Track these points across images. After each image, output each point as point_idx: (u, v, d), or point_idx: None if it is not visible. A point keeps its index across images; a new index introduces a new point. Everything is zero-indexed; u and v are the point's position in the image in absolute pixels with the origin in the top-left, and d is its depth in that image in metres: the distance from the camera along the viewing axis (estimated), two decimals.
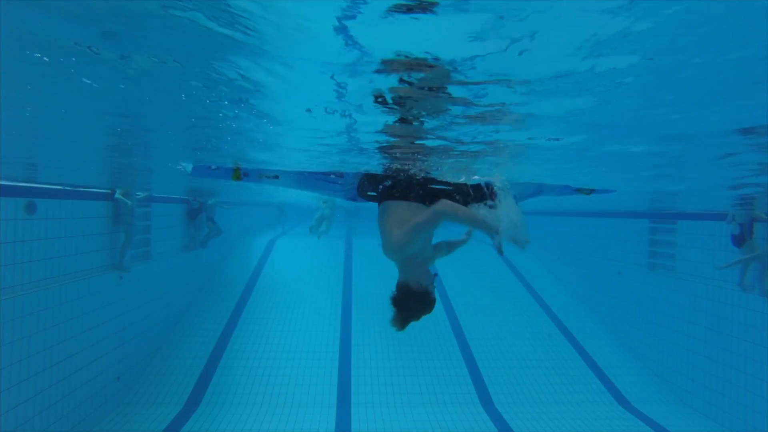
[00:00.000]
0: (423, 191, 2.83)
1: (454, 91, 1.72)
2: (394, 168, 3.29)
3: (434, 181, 3.13)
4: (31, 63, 1.62)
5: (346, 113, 2.11)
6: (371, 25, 1.21)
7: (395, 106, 1.95)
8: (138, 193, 7.85)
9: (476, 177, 3.49)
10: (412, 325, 2.66)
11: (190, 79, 1.77)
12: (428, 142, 2.64)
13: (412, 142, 2.66)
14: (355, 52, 1.38)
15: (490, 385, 8.57)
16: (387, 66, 1.48)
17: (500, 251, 2.86)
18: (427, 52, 1.40)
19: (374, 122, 2.23)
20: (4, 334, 4.92)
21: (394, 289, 2.66)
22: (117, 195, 7.26)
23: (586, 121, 2.15)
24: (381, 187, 3.04)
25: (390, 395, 8.17)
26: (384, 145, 2.71)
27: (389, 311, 2.65)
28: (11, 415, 4.98)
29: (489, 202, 2.85)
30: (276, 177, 3.64)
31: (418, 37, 1.28)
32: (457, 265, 13.70)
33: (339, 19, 1.16)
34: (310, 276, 12.32)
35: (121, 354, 7.45)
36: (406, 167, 3.27)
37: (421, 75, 1.58)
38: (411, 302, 2.60)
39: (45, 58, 1.55)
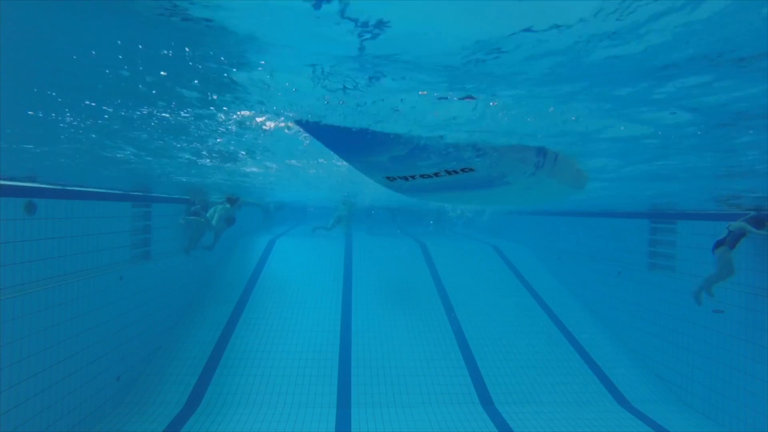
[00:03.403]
0: None
1: None
2: None
3: None
4: None
5: None
6: None
7: None
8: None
9: None
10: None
11: None
12: None
13: None
14: None
15: (490, 385, 8.57)
16: None
17: None
18: None
19: None
20: (5, 334, 4.92)
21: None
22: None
23: None
24: None
25: (390, 395, 8.17)
26: None
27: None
28: (11, 415, 4.98)
29: None
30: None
31: None
32: (457, 264, 13.74)
33: None
34: (310, 276, 12.33)
35: (121, 354, 7.46)
36: None
37: None
38: None
39: None
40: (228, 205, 10.75)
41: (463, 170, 3.13)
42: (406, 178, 3.29)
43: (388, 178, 3.36)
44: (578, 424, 7.51)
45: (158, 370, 8.38)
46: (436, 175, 3.17)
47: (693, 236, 8.61)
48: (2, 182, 5.27)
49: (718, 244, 7.12)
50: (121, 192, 7.79)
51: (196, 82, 2.53)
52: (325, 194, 10.75)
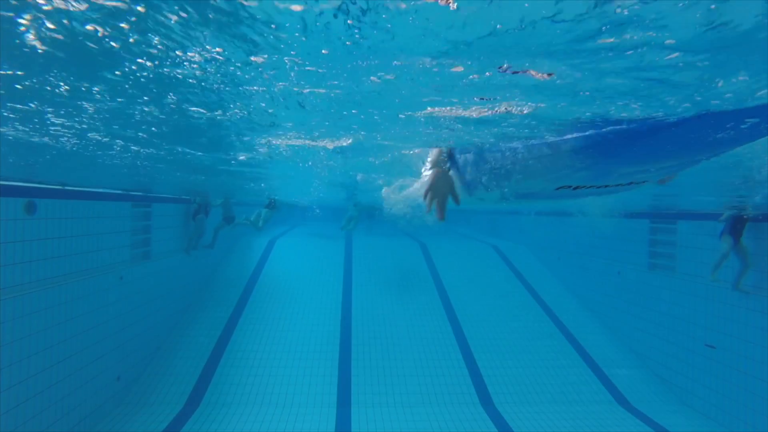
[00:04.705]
0: None
1: None
2: None
3: None
4: None
5: None
6: None
7: None
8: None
9: None
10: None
11: None
12: None
13: None
14: None
15: (490, 385, 8.57)
16: None
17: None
18: None
19: None
20: (4, 334, 4.92)
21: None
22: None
23: None
24: None
25: (390, 395, 8.17)
26: None
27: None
28: (11, 415, 4.98)
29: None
30: None
31: None
32: (457, 264, 13.74)
33: None
34: (310, 276, 12.33)
35: (121, 354, 7.46)
36: None
37: None
38: None
39: None
40: (266, 210, 11.61)
41: (632, 184, 2.61)
42: (579, 188, 2.71)
43: (561, 187, 2.71)
44: (578, 424, 7.51)
45: (158, 370, 8.38)
46: (607, 186, 2.66)
47: (693, 236, 8.61)
48: (2, 182, 5.27)
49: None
50: (121, 192, 7.79)
51: None
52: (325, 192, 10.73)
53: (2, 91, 2.57)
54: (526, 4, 1.38)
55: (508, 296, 12.01)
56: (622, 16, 1.42)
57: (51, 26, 1.72)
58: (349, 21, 1.56)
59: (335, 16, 1.53)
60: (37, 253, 5.57)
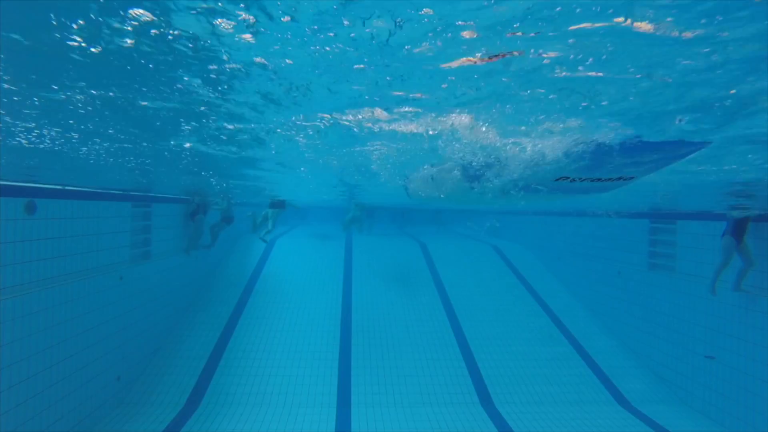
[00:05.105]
0: None
1: None
2: None
3: None
4: None
5: None
6: None
7: None
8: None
9: None
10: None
11: None
12: None
13: None
14: None
15: (490, 385, 8.57)
16: None
17: None
18: None
19: None
20: (5, 334, 4.92)
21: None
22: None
23: None
24: None
25: (390, 395, 8.17)
26: None
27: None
28: (11, 415, 4.98)
29: None
30: None
31: None
32: (457, 264, 13.74)
33: None
34: (310, 276, 12.33)
35: (121, 354, 7.45)
36: None
37: None
38: None
39: None
40: (272, 210, 11.86)
41: (622, 178, 2.94)
42: (575, 180, 3.05)
43: (560, 178, 3.05)
44: (578, 424, 7.51)
45: (158, 370, 8.38)
46: (600, 180, 2.99)
47: (693, 236, 8.61)
48: (2, 182, 5.27)
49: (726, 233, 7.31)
50: (121, 192, 7.79)
51: None
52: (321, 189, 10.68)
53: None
54: None
55: (508, 296, 12.01)
56: None
57: None
58: None
59: None
60: (37, 253, 5.57)
